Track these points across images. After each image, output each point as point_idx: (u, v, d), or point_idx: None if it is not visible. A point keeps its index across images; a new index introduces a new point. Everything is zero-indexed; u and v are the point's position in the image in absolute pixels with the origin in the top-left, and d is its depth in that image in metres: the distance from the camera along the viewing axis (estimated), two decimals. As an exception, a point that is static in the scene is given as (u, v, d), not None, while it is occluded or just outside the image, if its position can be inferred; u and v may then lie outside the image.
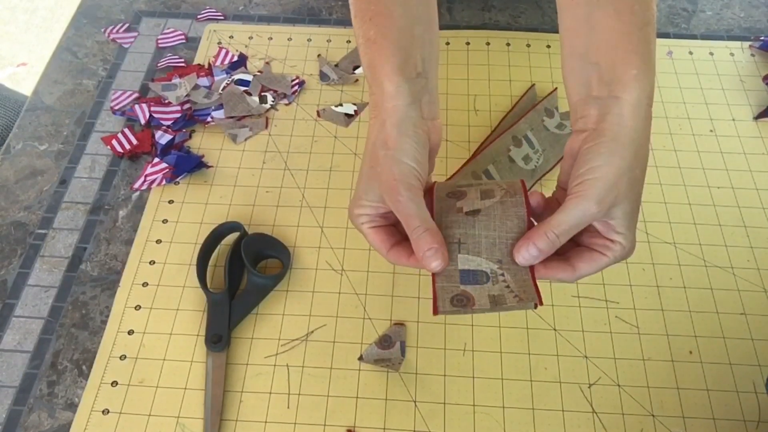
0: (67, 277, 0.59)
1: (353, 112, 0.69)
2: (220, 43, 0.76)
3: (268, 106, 0.70)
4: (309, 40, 0.76)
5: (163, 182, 0.64)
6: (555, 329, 0.55)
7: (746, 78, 0.72)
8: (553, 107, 0.66)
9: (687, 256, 0.59)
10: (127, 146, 0.67)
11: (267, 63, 0.74)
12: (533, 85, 0.70)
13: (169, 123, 0.68)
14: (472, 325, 0.55)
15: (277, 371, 0.54)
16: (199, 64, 0.74)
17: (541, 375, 0.53)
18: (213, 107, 0.69)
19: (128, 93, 0.71)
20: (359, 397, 0.52)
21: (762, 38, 0.75)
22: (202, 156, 0.66)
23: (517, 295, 0.41)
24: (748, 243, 0.60)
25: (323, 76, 0.72)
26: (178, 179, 0.65)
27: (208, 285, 0.57)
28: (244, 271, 0.58)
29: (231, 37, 0.77)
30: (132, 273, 0.59)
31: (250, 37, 0.76)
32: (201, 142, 0.67)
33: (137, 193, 0.64)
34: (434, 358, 0.54)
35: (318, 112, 0.70)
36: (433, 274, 0.42)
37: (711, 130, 0.68)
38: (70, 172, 0.66)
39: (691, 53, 0.74)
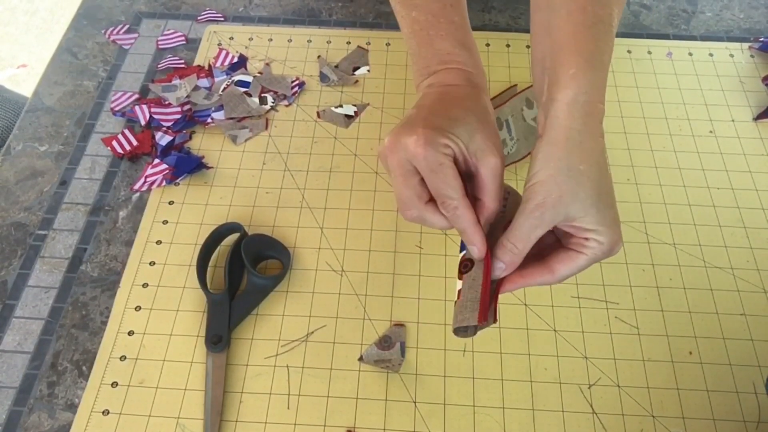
0: (68, 277, 0.59)
1: (353, 114, 0.69)
2: (220, 44, 0.76)
3: (268, 107, 0.70)
4: (309, 41, 0.76)
5: (163, 183, 0.64)
6: (555, 330, 0.55)
7: (746, 79, 0.72)
8: (533, 98, 0.66)
9: (687, 257, 0.59)
10: (128, 147, 0.67)
11: (267, 64, 0.74)
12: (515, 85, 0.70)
13: (169, 124, 0.68)
14: (472, 326, 0.55)
15: (277, 372, 0.54)
16: (199, 66, 0.74)
17: (541, 376, 0.53)
18: (213, 108, 0.69)
19: (128, 94, 0.71)
20: (359, 397, 0.52)
21: (761, 39, 0.75)
22: (202, 157, 0.66)
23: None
24: (747, 244, 0.60)
25: (323, 78, 0.73)
26: (178, 180, 0.65)
27: (208, 286, 0.58)
28: (244, 272, 0.58)
29: (231, 38, 0.77)
30: (132, 274, 0.59)
31: (250, 39, 0.77)
32: (201, 143, 0.68)
33: (137, 194, 0.64)
34: (434, 358, 0.54)
35: (318, 113, 0.70)
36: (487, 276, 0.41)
37: (711, 131, 0.68)
38: (71, 173, 0.66)
39: (690, 54, 0.74)
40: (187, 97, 0.70)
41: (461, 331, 0.42)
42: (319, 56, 0.75)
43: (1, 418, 0.52)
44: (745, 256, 0.59)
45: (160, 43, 0.77)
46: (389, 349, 0.54)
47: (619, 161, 0.65)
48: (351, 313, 0.56)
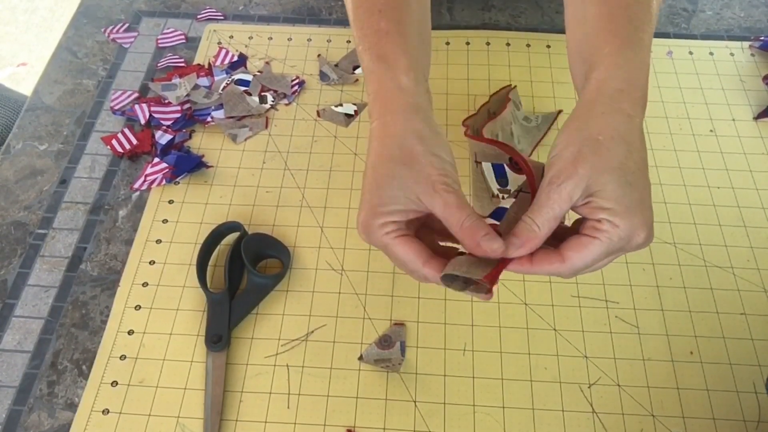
0: (67, 277, 0.59)
1: (353, 112, 0.69)
2: (220, 43, 0.76)
3: (268, 106, 0.70)
4: (309, 40, 0.76)
5: (163, 182, 0.64)
6: (555, 329, 0.55)
7: (746, 78, 0.72)
8: (518, 101, 0.67)
9: (687, 256, 0.59)
10: (127, 146, 0.67)
11: (267, 63, 0.74)
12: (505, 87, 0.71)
13: (169, 123, 0.68)
14: (472, 325, 0.55)
15: (277, 371, 0.54)
16: (199, 64, 0.74)
17: (541, 375, 0.53)
18: (213, 107, 0.69)
19: (128, 93, 0.71)
20: (359, 397, 0.52)
21: (762, 38, 0.75)
22: (202, 156, 0.66)
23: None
24: (748, 243, 0.60)
25: (323, 76, 0.72)
26: (178, 179, 0.65)
27: (208, 285, 0.57)
28: (244, 271, 0.58)
29: (231, 37, 0.77)
30: (132, 273, 0.59)
31: (250, 37, 0.76)
32: (201, 142, 0.67)
33: (137, 193, 0.64)
34: (434, 358, 0.54)
35: (318, 112, 0.70)
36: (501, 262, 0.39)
37: (711, 130, 0.68)
38: (70, 171, 0.66)
39: (691, 53, 0.74)
40: (187, 95, 0.70)
41: (451, 279, 0.40)
42: (319, 55, 0.75)
43: (1, 417, 0.52)
44: (745, 255, 0.59)
45: (159, 41, 0.77)
46: (389, 348, 0.54)
47: (619, 160, 0.65)
48: (351, 313, 0.56)
